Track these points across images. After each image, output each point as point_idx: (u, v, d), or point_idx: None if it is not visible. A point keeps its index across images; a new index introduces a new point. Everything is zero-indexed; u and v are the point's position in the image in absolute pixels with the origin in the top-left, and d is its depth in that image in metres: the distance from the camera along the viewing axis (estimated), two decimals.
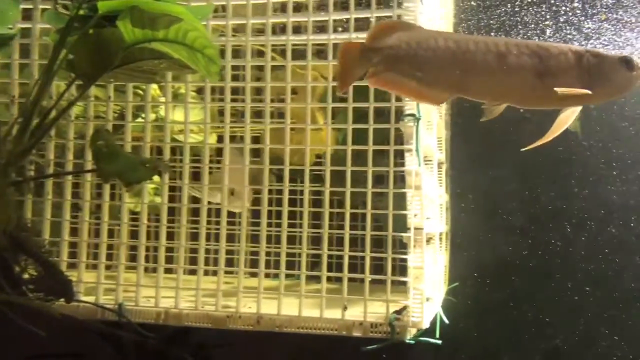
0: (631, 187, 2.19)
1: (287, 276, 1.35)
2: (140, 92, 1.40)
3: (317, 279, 1.46)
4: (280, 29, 1.44)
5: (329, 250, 1.32)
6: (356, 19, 1.28)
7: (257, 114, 1.48)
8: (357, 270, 1.37)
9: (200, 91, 1.53)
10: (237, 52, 1.34)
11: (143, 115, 1.36)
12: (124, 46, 1.07)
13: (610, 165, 2.20)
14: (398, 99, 1.29)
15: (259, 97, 1.37)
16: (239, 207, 1.37)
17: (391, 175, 1.30)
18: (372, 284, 1.30)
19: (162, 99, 1.42)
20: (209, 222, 1.40)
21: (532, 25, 2.13)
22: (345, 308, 1.30)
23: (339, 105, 1.33)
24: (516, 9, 2.13)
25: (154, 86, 1.46)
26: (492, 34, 2.16)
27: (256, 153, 2.01)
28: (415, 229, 1.29)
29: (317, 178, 1.39)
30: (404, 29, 1.03)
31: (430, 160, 1.68)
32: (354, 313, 1.31)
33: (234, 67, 1.48)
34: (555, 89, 1.01)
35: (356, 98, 1.29)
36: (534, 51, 1.05)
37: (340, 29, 1.31)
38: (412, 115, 1.28)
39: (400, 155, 1.30)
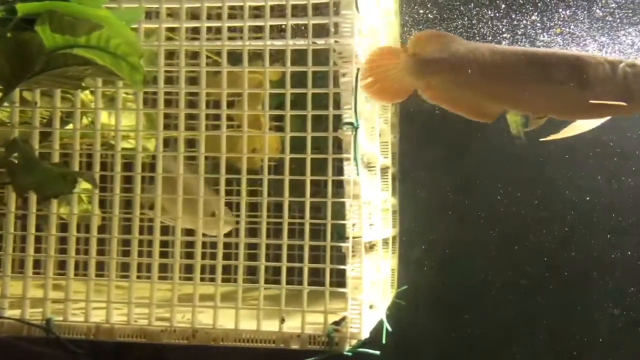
0: (580, 184, 2.23)
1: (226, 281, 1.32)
2: (71, 96, 1.34)
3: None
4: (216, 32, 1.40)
5: (267, 259, 1.29)
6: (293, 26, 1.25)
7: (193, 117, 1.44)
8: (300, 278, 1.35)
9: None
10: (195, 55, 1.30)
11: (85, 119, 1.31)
12: (44, 52, 1.02)
13: (559, 165, 2.24)
14: (336, 107, 1.27)
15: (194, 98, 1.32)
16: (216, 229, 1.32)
17: (329, 184, 1.27)
18: (314, 293, 1.28)
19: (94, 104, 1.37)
20: (141, 232, 1.35)
21: (490, 38, 2.15)
22: (282, 320, 1.27)
23: (276, 113, 1.30)
24: (473, 22, 2.14)
25: (86, 92, 1.40)
26: None
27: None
28: (354, 238, 1.28)
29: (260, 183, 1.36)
30: (447, 40, 1.00)
31: (374, 167, 1.67)
32: (294, 324, 1.28)
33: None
34: (591, 101, 1.01)
35: (299, 104, 1.27)
36: (574, 63, 1.03)
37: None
38: (350, 123, 1.26)
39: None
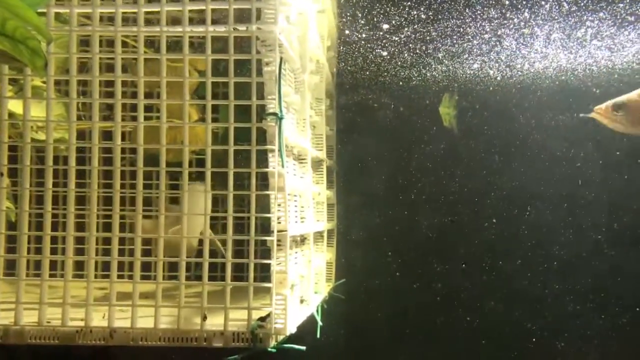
0: (515, 176, 2.27)
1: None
2: None
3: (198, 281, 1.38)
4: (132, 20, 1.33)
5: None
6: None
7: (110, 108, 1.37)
8: (243, 270, 1.31)
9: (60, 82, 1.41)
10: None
11: None
12: None
13: (493, 156, 2.27)
14: (260, 97, 1.23)
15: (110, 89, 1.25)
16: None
17: (253, 176, 1.23)
18: (240, 290, 1.24)
19: (10, 92, 1.29)
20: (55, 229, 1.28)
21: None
22: (205, 317, 1.23)
23: (196, 103, 1.25)
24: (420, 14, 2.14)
25: None
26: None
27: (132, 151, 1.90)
28: (279, 232, 1.24)
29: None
30: None
31: (304, 159, 1.64)
32: (217, 322, 1.24)
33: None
34: None
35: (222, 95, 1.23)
36: None
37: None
38: (274, 114, 1.22)
39: None
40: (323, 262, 1.97)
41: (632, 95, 1.57)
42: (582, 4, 2.03)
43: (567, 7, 2.03)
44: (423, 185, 2.30)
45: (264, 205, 1.26)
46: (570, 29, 2.09)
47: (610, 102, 1.54)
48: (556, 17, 2.06)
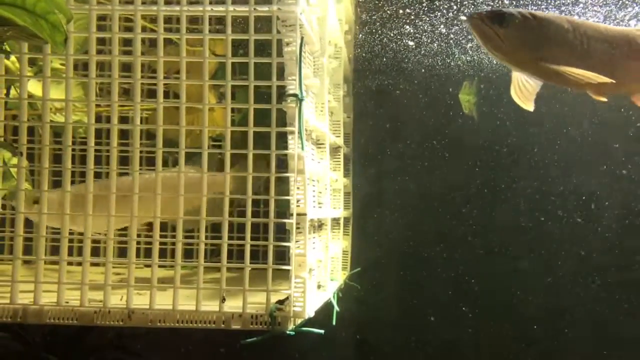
0: (532, 173, 2.24)
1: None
2: None
3: (215, 268, 1.38)
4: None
5: (206, 238, 1.23)
6: None
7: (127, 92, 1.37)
8: (259, 256, 1.29)
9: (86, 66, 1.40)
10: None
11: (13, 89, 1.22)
12: None
13: (510, 151, 2.24)
14: (280, 78, 1.21)
15: (128, 73, 1.24)
16: None
17: (272, 158, 1.22)
18: (258, 275, 1.24)
19: (29, 73, 1.28)
20: None
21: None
22: (223, 299, 1.22)
23: (216, 83, 1.24)
24: None
25: (13, 58, 1.31)
26: None
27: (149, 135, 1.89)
28: (298, 215, 1.23)
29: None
30: None
31: (323, 144, 1.62)
32: (236, 304, 1.23)
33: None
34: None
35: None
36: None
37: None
38: (295, 95, 1.21)
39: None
40: (339, 250, 1.96)
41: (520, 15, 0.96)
42: None
43: None
44: (442, 174, 2.28)
45: (281, 192, 1.25)
46: (604, 13, 2.04)
47: (493, 11, 0.98)
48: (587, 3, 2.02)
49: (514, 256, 2.24)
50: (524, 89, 1.01)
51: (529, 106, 1.06)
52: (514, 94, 1.05)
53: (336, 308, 1.59)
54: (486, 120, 2.20)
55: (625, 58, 0.97)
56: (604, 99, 1.04)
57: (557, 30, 0.95)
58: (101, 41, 1.38)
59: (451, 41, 2.15)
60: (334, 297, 1.68)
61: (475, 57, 2.19)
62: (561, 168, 2.22)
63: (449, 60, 2.21)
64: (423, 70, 2.25)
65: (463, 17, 1.09)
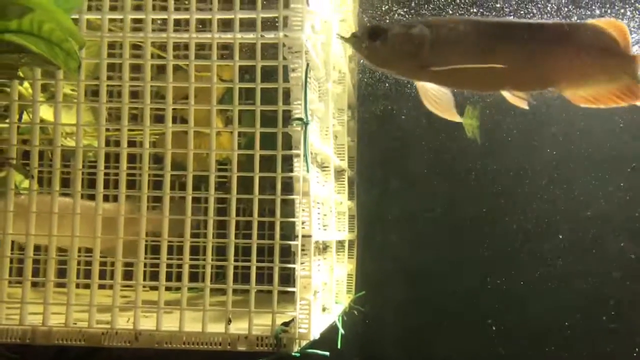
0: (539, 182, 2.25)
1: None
2: (8, 90, 1.28)
3: (221, 291, 1.40)
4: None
5: (214, 260, 1.25)
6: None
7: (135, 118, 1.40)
8: (264, 279, 1.30)
9: (96, 93, 1.44)
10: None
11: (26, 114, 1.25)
12: None
13: (516, 172, 2.26)
14: (286, 102, 1.24)
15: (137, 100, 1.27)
16: None
17: (278, 180, 1.24)
18: (263, 298, 1.25)
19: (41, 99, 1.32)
20: None
21: None
22: (229, 321, 1.23)
23: (223, 108, 1.27)
24: None
25: (26, 84, 1.35)
26: None
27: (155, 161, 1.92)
28: (304, 236, 1.25)
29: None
30: None
31: (328, 167, 1.65)
32: (241, 326, 1.24)
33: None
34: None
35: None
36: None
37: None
38: (300, 119, 1.24)
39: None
40: (344, 273, 1.97)
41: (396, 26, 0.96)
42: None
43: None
44: (446, 197, 2.29)
45: (284, 215, 1.27)
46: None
47: (368, 27, 0.98)
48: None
49: (521, 275, 2.24)
50: (436, 99, 1.00)
51: (453, 116, 1.03)
52: (428, 106, 1.03)
53: (341, 331, 1.60)
54: (490, 144, 2.22)
55: (553, 52, 0.93)
56: (524, 103, 0.99)
57: (448, 34, 0.93)
58: (110, 68, 1.42)
59: None
60: (339, 320, 1.68)
61: None
62: (570, 187, 2.23)
63: None
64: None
65: (339, 39, 1.07)
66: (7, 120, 1.26)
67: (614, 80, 0.92)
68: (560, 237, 2.25)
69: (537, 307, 2.22)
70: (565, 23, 0.94)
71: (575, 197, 2.24)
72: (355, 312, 2.04)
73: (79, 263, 1.28)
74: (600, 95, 0.93)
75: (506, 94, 0.95)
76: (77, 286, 1.49)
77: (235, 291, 1.25)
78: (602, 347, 2.19)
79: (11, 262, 1.40)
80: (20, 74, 1.11)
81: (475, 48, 0.91)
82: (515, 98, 0.96)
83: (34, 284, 1.28)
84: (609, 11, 2.08)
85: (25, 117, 1.37)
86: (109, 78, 1.45)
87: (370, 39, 0.95)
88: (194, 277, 1.71)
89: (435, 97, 0.97)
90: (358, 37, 0.95)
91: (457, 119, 1.06)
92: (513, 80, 0.93)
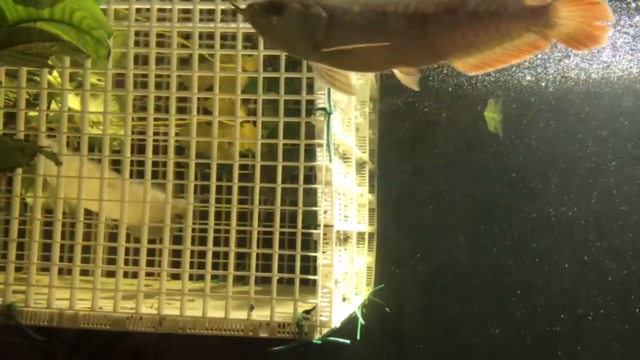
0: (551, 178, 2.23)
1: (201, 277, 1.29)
2: (38, 78, 1.31)
3: (241, 282, 1.42)
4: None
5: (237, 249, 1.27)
6: None
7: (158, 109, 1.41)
8: (284, 270, 1.31)
9: (119, 84, 1.46)
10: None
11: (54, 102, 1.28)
12: (6, 25, 0.99)
13: (538, 168, 2.24)
14: (309, 92, 1.25)
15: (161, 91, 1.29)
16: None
17: (301, 170, 1.26)
18: (285, 289, 1.27)
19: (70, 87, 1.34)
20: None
21: None
22: (252, 308, 1.25)
23: (247, 97, 1.28)
24: None
25: (55, 73, 1.37)
26: None
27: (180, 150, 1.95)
28: (325, 226, 1.26)
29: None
30: None
31: (349, 158, 1.65)
32: (263, 314, 1.26)
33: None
34: None
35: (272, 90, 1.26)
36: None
37: None
38: (323, 109, 1.24)
39: None
40: (364, 265, 1.97)
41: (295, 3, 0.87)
42: None
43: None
44: (465, 191, 2.29)
45: (305, 205, 1.28)
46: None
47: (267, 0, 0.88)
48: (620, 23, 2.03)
49: (543, 271, 2.23)
50: (335, 80, 0.96)
51: (350, 90, 0.95)
52: (324, 82, 0.96)
53: (361, 321, 1.61)
54: (512, 138, 2.21)
55: (442, 24, 0.88)
56: (415, 84, 0.95)
57: (342, 16, 0.89)
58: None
59: None
60: (358, 310, 1.69)
61: (498, 75, 2.21)
62: (593, 185, 2.21)
63: (474, 79, 2.24)
64: (450, 89, 2.27)
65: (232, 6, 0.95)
66: (37, 109, 1.28)
67: (512, 40, 0.88)
68: (593, 232, 2.22)
69: (563, 304, 2.21)
70: None
71: (610, 196, 2.20)
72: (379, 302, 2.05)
73: (103, 251, 1.30)
74: (493, 59, 0.89)
75: (397, 72, 0.92)
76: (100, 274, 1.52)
77: (255, 282, 1.27)
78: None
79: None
80: (50, 62, 1.12)
81: (368, 28, 0.87)
82: (406, 78, 0.92)
83: (58, 272, 1.30)
84: None
85: (53, 105, 1.40)
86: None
87: (268, 13, 0.87)
88: (214, 269, 1.76)
89: (334, 76, 0.93)
90: (255, 9, 0.86)
91: (354, 93, 1.01)
92: (403, 58, 0.89)
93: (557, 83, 2.22)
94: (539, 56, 2.17)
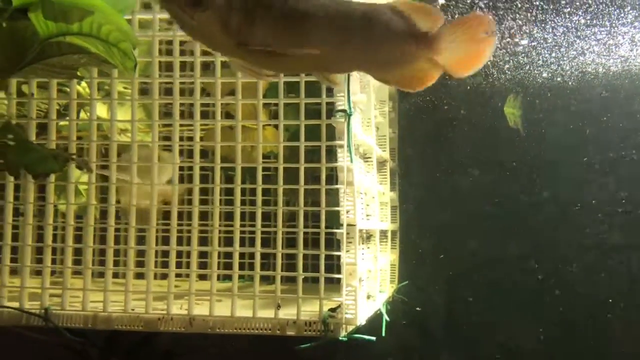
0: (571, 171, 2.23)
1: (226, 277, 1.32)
2: (67, 89, 1.35)
3: (266, 282, 1.45)
4: None
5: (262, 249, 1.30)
6: None
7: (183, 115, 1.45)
8: (308, 269, 1.34)
9: (144, 91, 1.51)
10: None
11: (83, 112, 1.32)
12: (38, 40, 1.03)
13: (560, 165, 2.24)
14: (329, 94, 1.28)
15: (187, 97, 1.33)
16: None
17: (323, 171, 1.28)
18: (310, 287, 1.30)
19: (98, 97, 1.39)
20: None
21: None
22: (278, 306, 1.28)
23: (269, 101, 1.32)
24: None
25: (83, 84, 1.42)
26: None
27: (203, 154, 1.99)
28: (348, 225, 1.28)
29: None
30: None
31: (370, 158, 1.68)
32: (290, 312, 1.29)
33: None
34: None
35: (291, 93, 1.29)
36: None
37: None
38: (344, 111, 1.27)
39: None
40: (387, 263, 1.99)
41: None
42: None
43: None
44: (488, 186, 2.29)
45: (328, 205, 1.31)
46: None
47: None
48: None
49: (567, 269, 2.22)
50: (255, 74, 0.89)
51: (266, 77, 0.92)
52: (239, 71, 0.92)
53: (385, 317, 1.63)
54: (534, 134, 2.21)
55: (356, 37, 0.86)
56: (335, 84, 0.94)
57: (264, 14, 0.85)
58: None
59: (494, 55, 2.18)
60: (383, 307, 1.71)
61: (518, 71, 2.22)
62: (622, 182, 2.19)
63: (492, 75, 2.24)
64: (467, 87, 2.28)
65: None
66: (67, 118, 1.33)
67: (411, 64, 0.88)
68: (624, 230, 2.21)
69: (588, 310, 2.20)
70: (372, 7, 0.87)
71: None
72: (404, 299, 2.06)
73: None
74: (403, 79, 0.90)
75: (317, 74, 0.92)
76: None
77: (280, 282, 1.30)
78: None
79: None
80: (79, 73, 1.17)
81: (289, 29, 0.86)
82: (325, 79, 0.92)
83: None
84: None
85: (82, 114, 1.45)
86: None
87: (189, 5, 0.80)
88: (239, 269, 1.79)
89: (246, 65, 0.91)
90: (177, 2, 0.80)
91: (273, 79, 1.01)
92: (323, 64, 0.88)
93: (574, 79, 2.22)
94: (554, 54, 2.17)
